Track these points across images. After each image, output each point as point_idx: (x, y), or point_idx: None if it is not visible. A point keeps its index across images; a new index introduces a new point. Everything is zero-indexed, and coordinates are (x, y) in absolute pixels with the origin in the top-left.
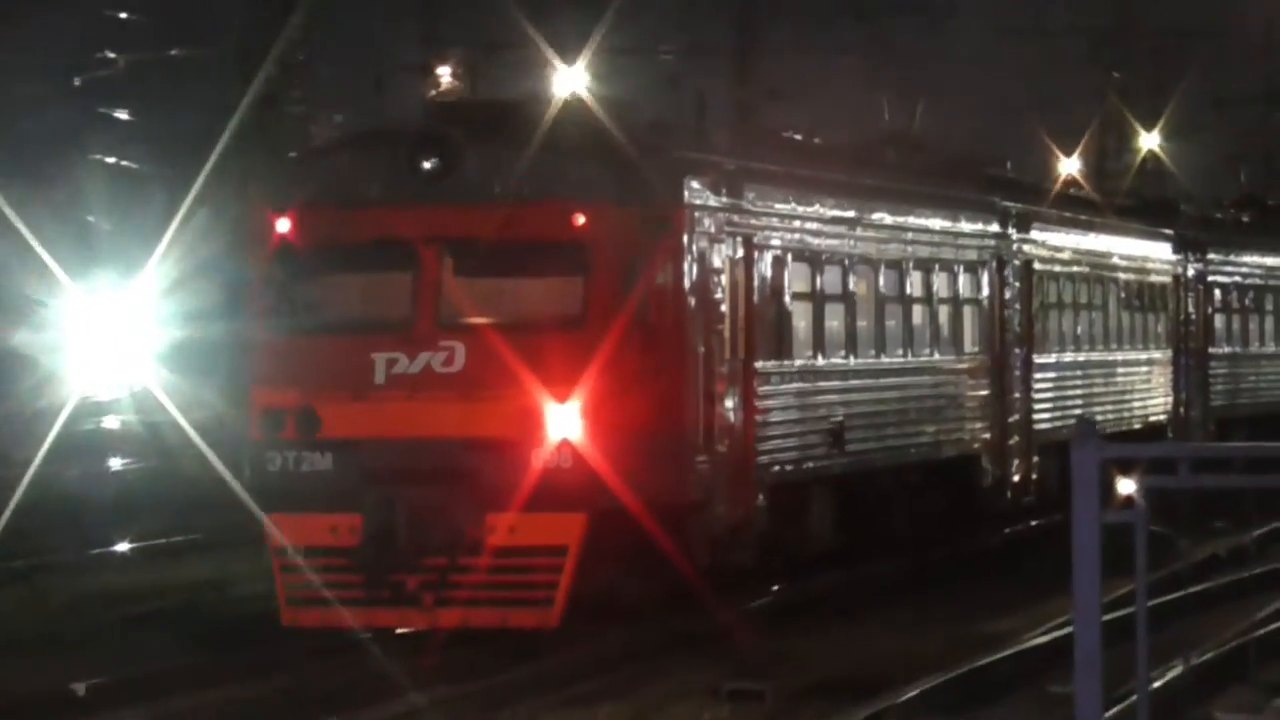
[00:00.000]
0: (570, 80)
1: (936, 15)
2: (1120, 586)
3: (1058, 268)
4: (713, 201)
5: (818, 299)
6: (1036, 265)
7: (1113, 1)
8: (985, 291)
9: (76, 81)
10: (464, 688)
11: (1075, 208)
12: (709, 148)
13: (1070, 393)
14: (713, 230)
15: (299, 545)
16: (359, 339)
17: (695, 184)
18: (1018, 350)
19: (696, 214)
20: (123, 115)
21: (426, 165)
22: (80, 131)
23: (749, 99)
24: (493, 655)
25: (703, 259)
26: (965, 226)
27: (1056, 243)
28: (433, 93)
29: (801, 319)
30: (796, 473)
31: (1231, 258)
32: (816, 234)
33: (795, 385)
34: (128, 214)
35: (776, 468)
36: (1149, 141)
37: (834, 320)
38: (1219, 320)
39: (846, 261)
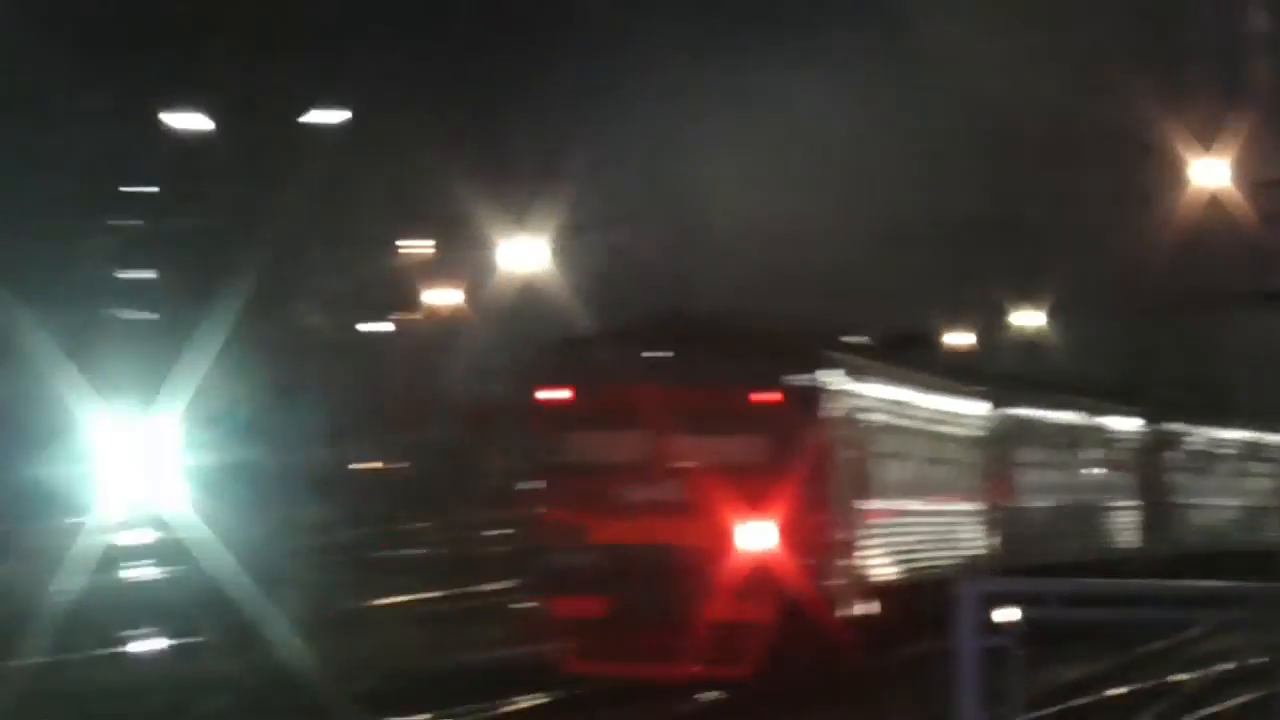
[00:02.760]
0: (533, 250)
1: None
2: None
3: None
4: (840, 387)
5: (896, 459)
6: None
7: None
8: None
9: (104, 245)
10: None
11: None
12: (834, 347)
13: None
14: (841, 407)
15: (572, 617)
16: (612, 475)
17: (832, 375)
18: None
19: (832, 395)
20: (140, 274)
21: (658, 357)
22: (101, 288)
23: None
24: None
25: (836, 427)
26: (960, 406)
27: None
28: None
29: (886, 473)
30: (886, 581)
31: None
32: (891, 412)
33: (883, 519)
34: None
35: (875, 577)
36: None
37: (902, 475)
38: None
39: (909, 433)
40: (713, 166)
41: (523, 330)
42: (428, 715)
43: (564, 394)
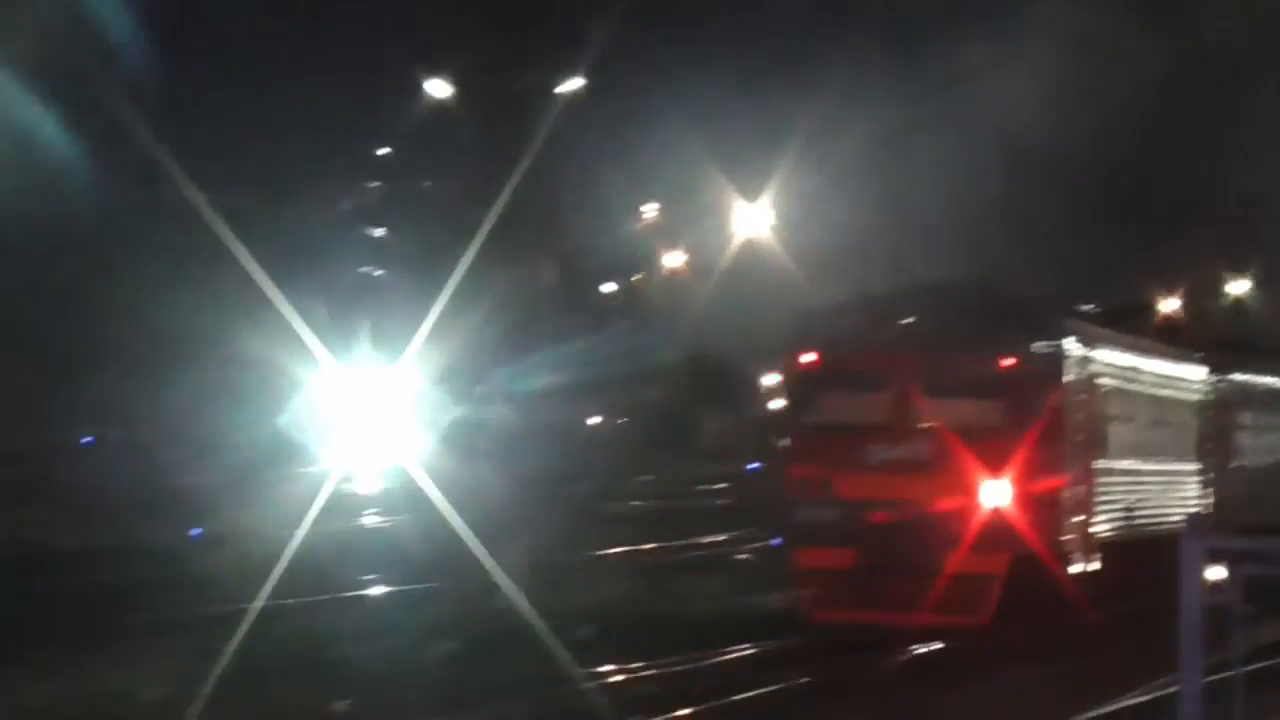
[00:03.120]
0: (753, 214)
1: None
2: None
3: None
4: (1076, 353)
5: (1123, 421)
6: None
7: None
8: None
9: (345, 205)
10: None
11: None
12: (1070, 315)
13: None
14: (1076, 372)
15: (817, 567)
16: (859, 435)
17: (1070, 342)
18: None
19: (1070, 362)
20: (378, 233)
21: (904, 323)
22: (341, 246)
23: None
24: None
25: (1071, 391)
26: (1180, 370)
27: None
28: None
29: (1114, 434)
30: (1111, 537)
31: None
32: (1119, 377)
33: (1111, 478)
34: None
35: (1101, 534)
36: (1237, 288)
37: (1127, 436)
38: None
39: (1134, 397)
40: (923, 145)
41: (745, 294)
42: (644, 662)
43: (819, 357)
